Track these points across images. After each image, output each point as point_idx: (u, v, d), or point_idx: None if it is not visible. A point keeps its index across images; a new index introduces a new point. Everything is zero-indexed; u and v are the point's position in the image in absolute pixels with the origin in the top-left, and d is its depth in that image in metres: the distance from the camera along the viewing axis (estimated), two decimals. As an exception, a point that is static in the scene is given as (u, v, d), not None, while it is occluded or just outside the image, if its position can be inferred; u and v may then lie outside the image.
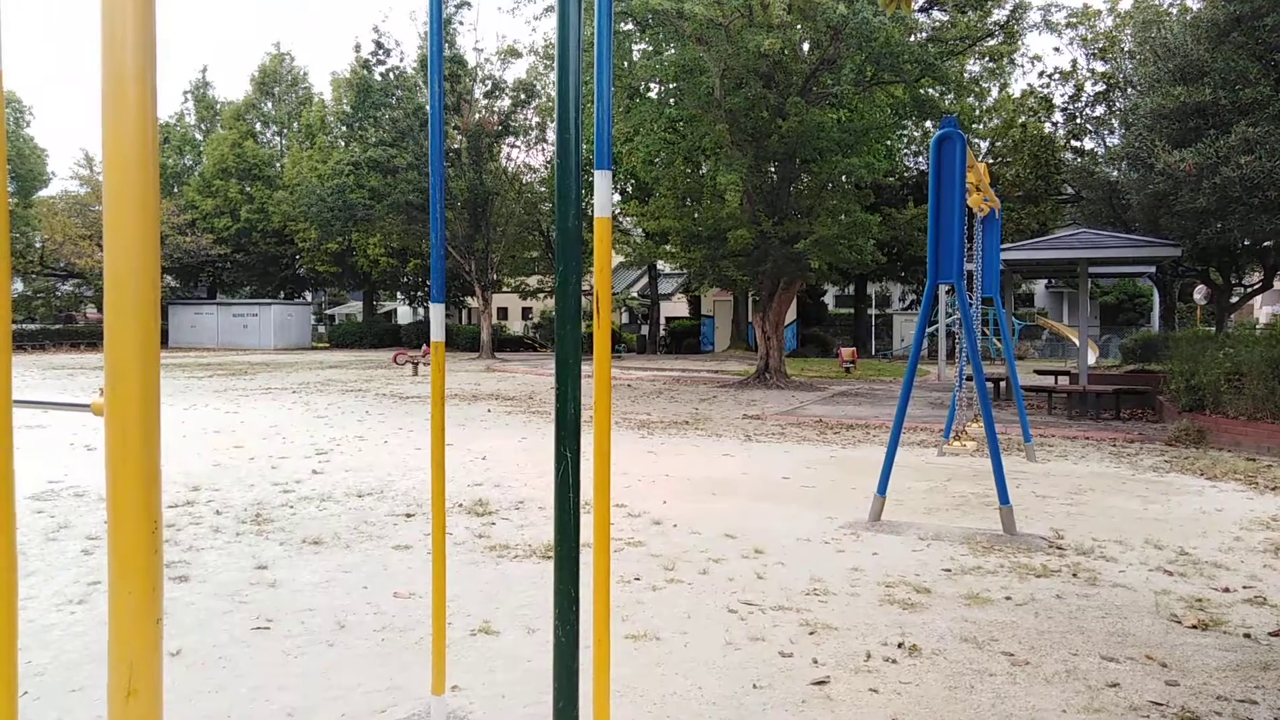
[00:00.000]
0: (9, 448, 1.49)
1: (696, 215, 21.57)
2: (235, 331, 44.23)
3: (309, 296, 55.62)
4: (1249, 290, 22.82)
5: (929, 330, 28.49)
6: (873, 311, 42.06)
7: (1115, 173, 22.46)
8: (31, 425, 11.62)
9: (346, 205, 33.51)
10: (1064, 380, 16.79)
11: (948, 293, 21.63)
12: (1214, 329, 20.31)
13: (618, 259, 33.17)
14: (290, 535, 6.07)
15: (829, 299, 48.13)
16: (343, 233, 37.81)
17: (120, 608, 1.32)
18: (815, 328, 41.01)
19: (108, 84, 1.90)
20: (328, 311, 61.21)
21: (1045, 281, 44.88)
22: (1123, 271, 24.00)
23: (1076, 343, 18.70)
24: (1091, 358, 22.88)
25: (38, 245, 40.24)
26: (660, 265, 41.73)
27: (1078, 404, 14.40)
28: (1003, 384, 16.89)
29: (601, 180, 2.84)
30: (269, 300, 46.50)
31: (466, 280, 36.16)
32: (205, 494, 7.46)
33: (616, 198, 33.63)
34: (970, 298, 10.19)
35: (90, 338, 41.25)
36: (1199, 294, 26.47)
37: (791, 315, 37.09)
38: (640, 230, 31.58)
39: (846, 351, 26.50)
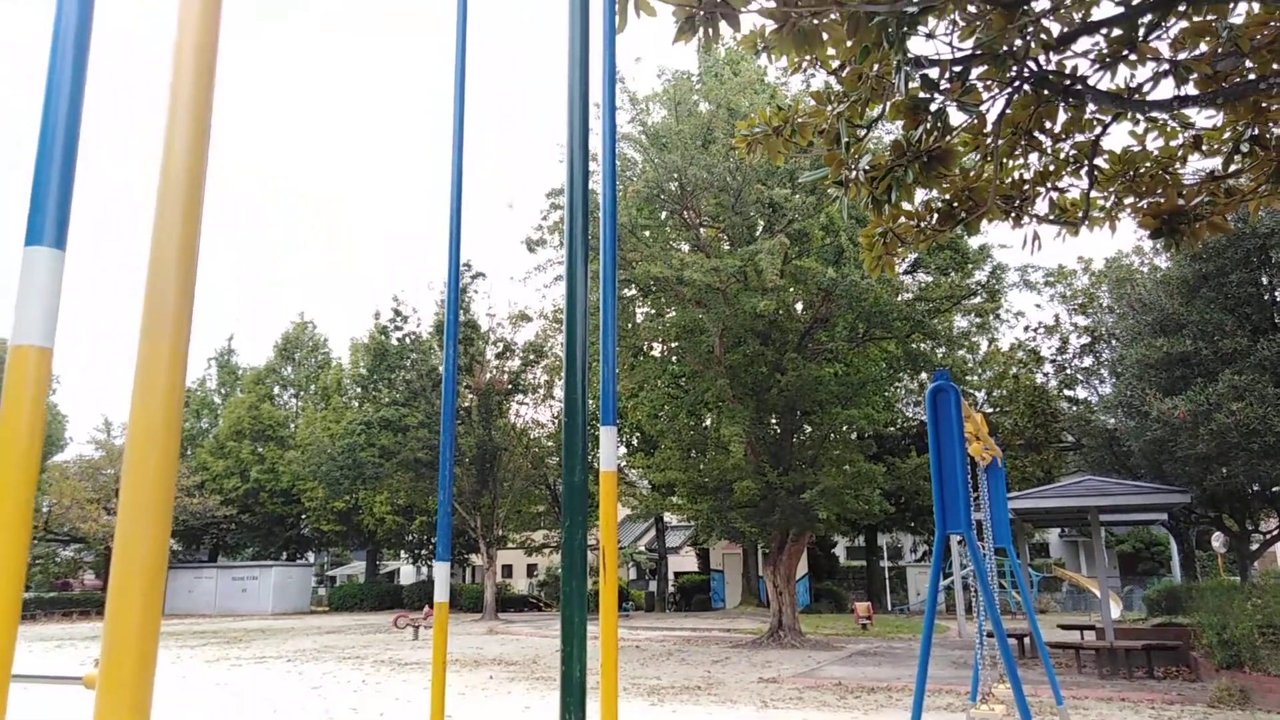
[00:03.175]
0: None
1: (702, 467, 21.74)
2: (233, 596, 43.04)
3: (311, 557, 54.72)
4: (1268, 537, 22.38)
5: (944, 583, 27.65)
6: (885, 563, 41.07)
7: (1112, 420, 22.84)
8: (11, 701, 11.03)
9: (356, 464, 33.88)
10: (1089, 635, 16.05)
11: (959, 543, 21.25)
12: (1238, 578, 19.71)
13: (624, 511, 32.94)
14: (271, 821, 5.58)
15: (840, 551, 47.16)
16: (350, 491, 37.91)
17: None
18: (828, 581, 39.86)
19: (143, 356, 2.02)
20: (329, 573, 59.93)
21: (1058, 531, 44.16)
22: (1134, 519, 23.70)
23: (1097, 594, 18.09)
24: (1115, 610, 22.03)
25: (44, 510, 40.26)
26: (667, 518, 41.33)
27: (1107, 661, 13.67)
28: (1026, 640, 16.15)
29: (607, 435, 2.93)
30: (269, 562, 45.68)
31: (472, 537, 35.72)
32: (184, 774, 6.95)
33: (622, 450, 33.98)
34: (982, 548, 10.01)
35: (84, 605, 40.13)
36: (1217, 541, 25.96)
37: (803, 569, 36.21)
38: (646, 482, 31.64)
39: (862, 607, 25.59)
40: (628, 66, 20.39)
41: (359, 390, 39.38)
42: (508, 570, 52.77)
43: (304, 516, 47.05)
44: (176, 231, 2.17)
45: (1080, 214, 5.98)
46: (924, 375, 23.96)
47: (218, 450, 46.57)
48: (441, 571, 3.15)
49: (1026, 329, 30.79)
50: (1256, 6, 4.82)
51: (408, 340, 36.07)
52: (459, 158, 4.68)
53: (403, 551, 49.97)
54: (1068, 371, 29.68)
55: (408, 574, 53.25)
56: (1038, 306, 75.35)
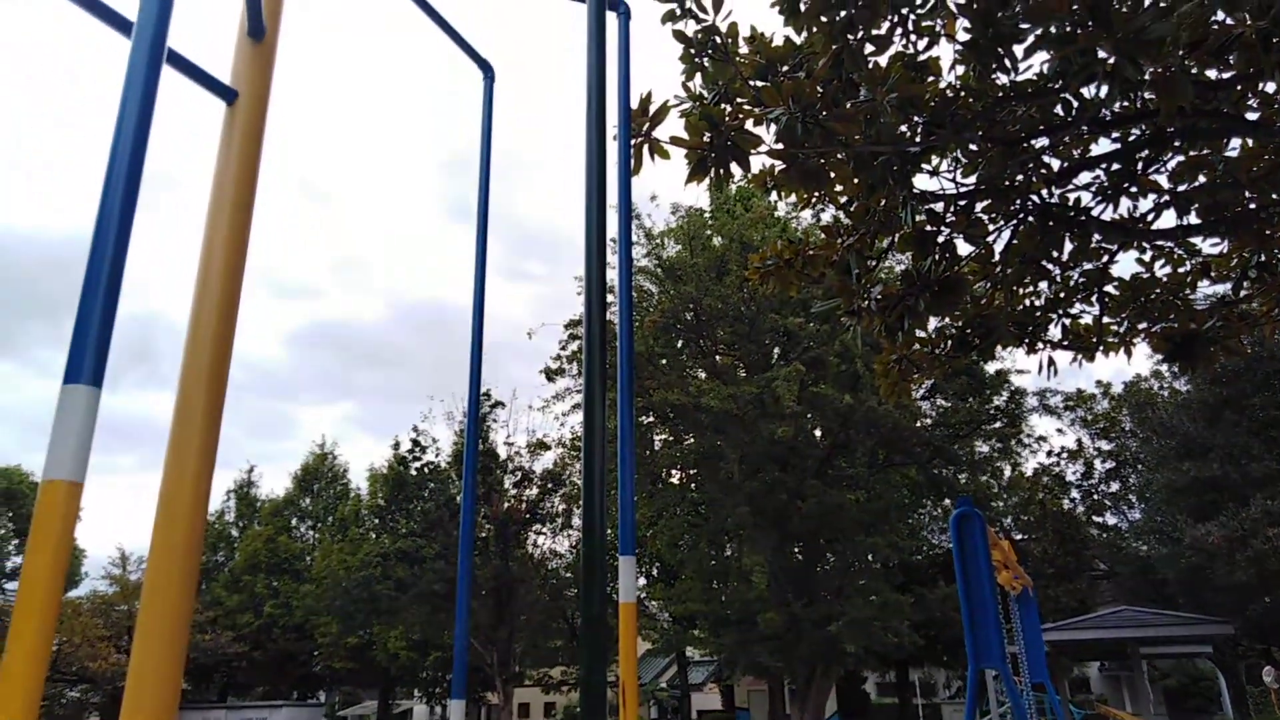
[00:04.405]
0: None
1: (724, 598, 21.18)
2: (240, 736, 41.44)
3: (322, 696, 53.02)
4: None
5: (982, 721, 26.20)
6: (918, 701, 39.23)
7: (1145, 547, 22.22)
8: None
9: (371, 597, 33.28)
10: (1142, 778, 15.13)
11: (994, 678, 20.33)
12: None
13: (644, 646, 31.92)
14: None
15: (870, 687, 45.17)
16: (364, 625, 37.08)
17: None
18: (859, 720, 38.02)
19: (166, 488, 2.06)
20: (340, 713, 57.87)
21: (1098, 664, 42.20)
22: (1177, 652, 22.68)
23: (1146, 733, 17.13)
24: (1167, 750, 20.78)
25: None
26: (689, 652, 39.94)
27: (1163, 807, 12.82)
28: (1074, 784, 15.23)
29: (626, 565, 2.90)
30: (280, 703, 44.15)
31: (487, 673, 34.57)
32: None
33: (642, 582, 33.23)
34: (1019, 683, 9.60)
35: (85, 748, 38.67)
36: (1268, 676, 24.68)
37: (832, 706, 34.63)
38: (667, 615, 30.79)
39: (896, 748, 24.31)
40: (643, 203, 21.39)
41: (376, 521, 39.09)
42: (524, 709, 50.78)
43: (315, 653, 45.86)
44: (205, 365, 2.25)
45: (1094, 339, 6.03)
46: (948, 501, 23.57)
47: (233, 584, 45.93)
48: (457, 710, 3.07)
49: (1050, 454, 30.36)
50: (1250, 141, 4.99)
51: (426, 470, 36.00)
52: (480, 295, 4.83)
53: (416, 690, 48.35)
54: (1095, 497, 29.09)
55: (420, 715, 51.31)
56: (1059, 431, 74.20)
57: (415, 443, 36.48)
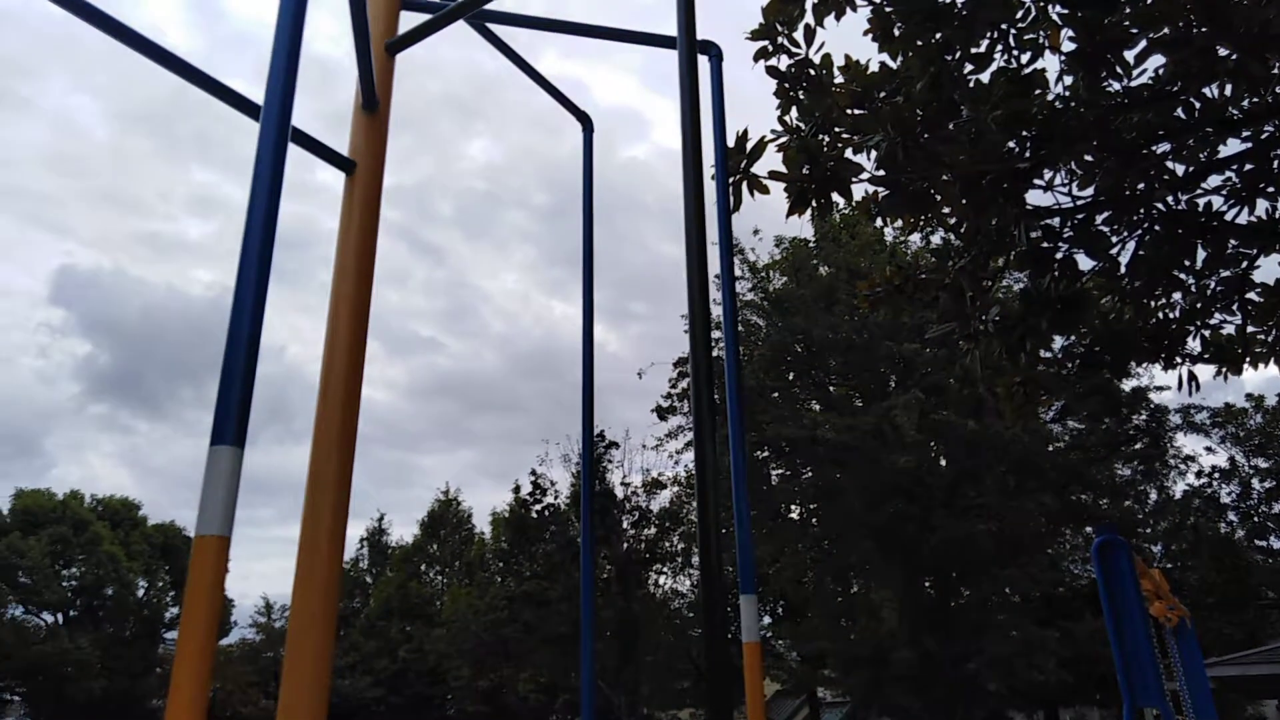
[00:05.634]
0: None
1: (853, 636, 20.54)
2: (380, 782, 42.53)
3: (457, 740, 54.01)
4: None
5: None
6: (1071, 743, 36.83)
7: (1318, 572, 20.37)
8: None
9: (500, 640, 33.85)
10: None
11: (1155, 718, 18.92)
12: None
13: (773, 687, 31.20)
14: None
15: (1016, 729, 42.71)
16: (495, 669, 37.67)
17: None
18: (1006, 764, 35.95)
19: (305, 541, 2.17)
20: (473, 756, 58.72)
21: (1276, 703, 38.72)
22: (1367, 686, 20.57)
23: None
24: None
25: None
26: (821, 693, 38.84)
27: None
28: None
29: (747, 605, 2.87)
30: (417, 745, 45.24)
31: (616, 715, 34.49)
32: None
33: (766, 620, 32.64)
34: (1181, 723, 8.92)
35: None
36: None
37: (975, 749, 32.87)
38: (795, 654, 30.08)
39: (1048, 794, 22.87)
40: (746, 237, 21.51)
41: (501, 565, 39.84)
42: (654, 753, 50.27)
43: (449, 697, 46.84)
44: (336, 425, 2.37)
45: (1239, 350, 5.64)
46: (1089, 529, 22.28)
47: (369, 629, 47.59)
48: (585, 753, 3.09)
49: (1199, 474, 28.30)
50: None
51: (546, 512, 36.50)
52: (589, 337, 4.92)
53: (546, 734, 48.66)
54: (1256, 519, 26.92)
55: (552, 757, 51.52)
56: (1209, 450, 69.38)
57: (535, 485, 37.09)
